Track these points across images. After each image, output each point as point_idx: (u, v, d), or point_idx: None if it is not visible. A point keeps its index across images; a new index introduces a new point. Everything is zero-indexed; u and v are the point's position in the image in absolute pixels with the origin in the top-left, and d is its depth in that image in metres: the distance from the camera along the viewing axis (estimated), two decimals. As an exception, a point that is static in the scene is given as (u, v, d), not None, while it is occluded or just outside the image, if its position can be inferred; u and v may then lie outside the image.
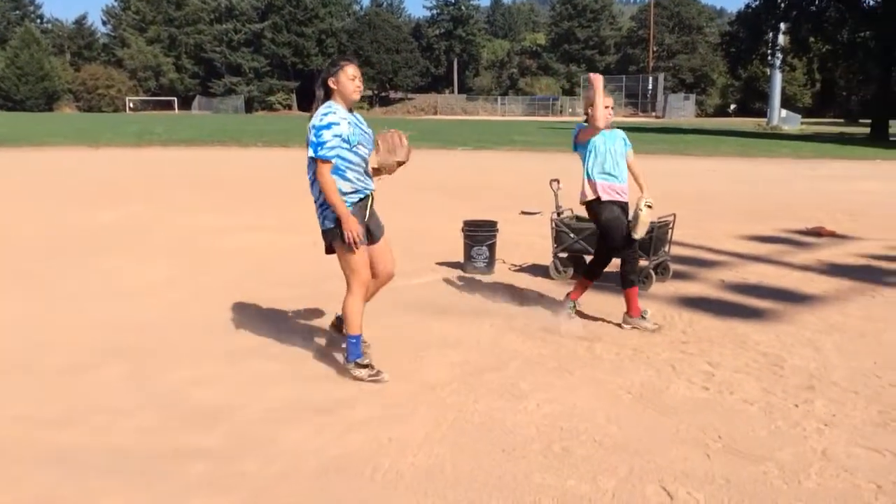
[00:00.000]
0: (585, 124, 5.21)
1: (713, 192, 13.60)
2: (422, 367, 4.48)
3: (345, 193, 4.12)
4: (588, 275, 5.49)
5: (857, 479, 3.15)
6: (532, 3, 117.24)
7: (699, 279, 6.84)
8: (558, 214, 6.76)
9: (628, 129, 5.09)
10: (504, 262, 7.32)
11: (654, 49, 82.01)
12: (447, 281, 6.69)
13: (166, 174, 16.86)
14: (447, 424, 3.67)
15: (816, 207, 11.41)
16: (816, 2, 37.06)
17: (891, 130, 35.31)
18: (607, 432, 3.59)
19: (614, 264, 5.41)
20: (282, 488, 3.08)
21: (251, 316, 5.47)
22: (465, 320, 5.42)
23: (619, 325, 5.33)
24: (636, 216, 5.14)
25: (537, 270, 7.08)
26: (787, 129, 44.08)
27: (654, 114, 70.50)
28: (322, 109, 4.12)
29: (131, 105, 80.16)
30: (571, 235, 6.60)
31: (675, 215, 6.73)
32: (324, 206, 4.15)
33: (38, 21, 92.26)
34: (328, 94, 4.18)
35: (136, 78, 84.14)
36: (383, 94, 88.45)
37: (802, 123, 49.21)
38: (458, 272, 6.97)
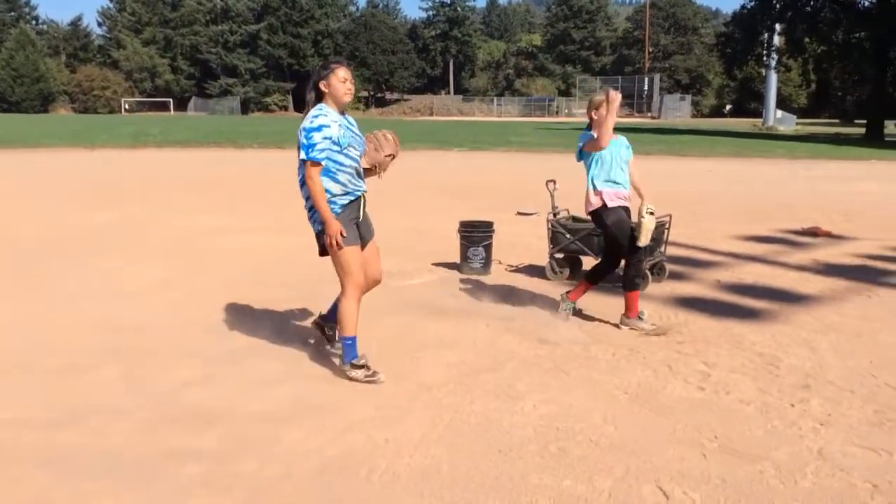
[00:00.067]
0: (590, 132, 5.19)
1: (709, 192, 13.62)
2: (418, 368, 4.47)
3: (336, 195, 4.13)
4: (590, 278, 5.47)
5: (853, 478, 3.15)
6: (528, 4, 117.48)
7: (695, 279, 6.85)
8: (554, 215, 6.76)
9: (624, 129, 5.10)
10: (500, 263, 7.32)
11: (650, 50, 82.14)
12: (443, 281, 6.68)
13: (162, 175, 16.84)
14: (444, 425, 3.67)
15: (812, 208, 11.43)
16: (811, 3, 37.16)
17: (886, 131, 35.42)
18: (604, 432, 3.59)
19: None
20: (278, 489, 3.08)
21: (247, 317, 5.47)
22: (462, 321, 5.42)
23: (615, 325, 5.33)
24: (639, 223, 5.16)
25: (534, 271, 7.08)
26: (782, 129, 44.17)
27: (649, 114, 70.59)
28: (313, 112, 4.12)
29: (127, 106, 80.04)
30: (568, 236, 6.60)
31: (671, 216, 6.74)
32: (313, 209, 4.16)
33: (34, 22, 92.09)
34: (320, 97, 4.18)
35: (131, 79, 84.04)
36: (379, 95, 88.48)
37: (798, 124, 49.32)
38: (455, 273, 6.97)
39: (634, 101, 74.74)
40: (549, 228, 6.71)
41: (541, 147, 25.69)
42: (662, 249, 6.71)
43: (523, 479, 3.14)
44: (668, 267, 6.80)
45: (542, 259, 7.04)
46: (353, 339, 4.24)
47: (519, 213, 10.50)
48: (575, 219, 6.89)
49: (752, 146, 26.54)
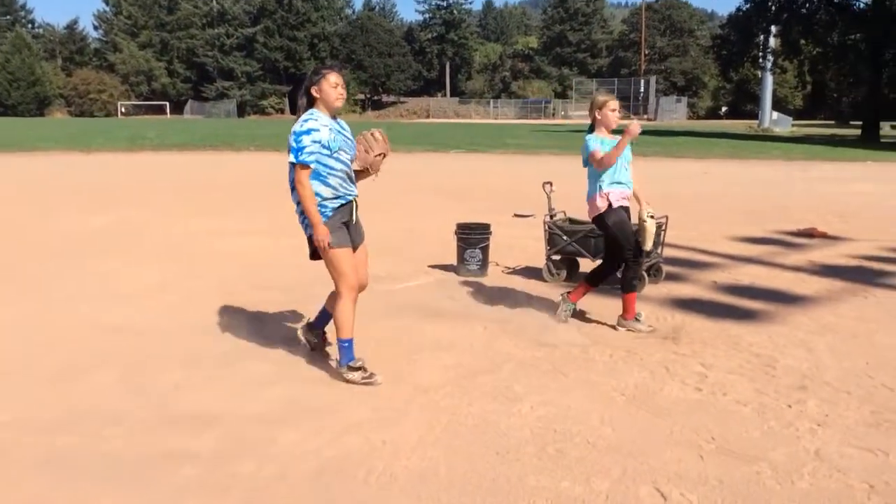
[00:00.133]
0: (594, 134, 5.19)
1: (706, 194, 13.64)
2: (415, 370, 4.47)
3: (326, 199, 4.15)
4: (591, 280, 5.44)
5: (849, 479, 3.16)
6: (524, 7, 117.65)
7: (692, 281, 6.85)
8: (551, 217, 6.77)
9: (621, 131, 5.12)
10: (497, 265, 7.33)
11: (646, 52, 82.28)
12: (440, 283, 6.68)
13: (158, 178, 16.82)
14: (441, 427, 3.67)
15: (808, 209, 11.45)
16: (807, 4, 37.22)
17: (881, 132, 35.49)
18: (601, 434, 3.59)
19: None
20: (275, 491, 3.07)
21: (244, 319, 5.46)
22: (459, 323, 5.42)
23: (613, 327, 5.34)
24: (642, 228, 5.17)
25: (530, 273, 7.09)
26: (778, 130, 44.23)
27: (646, 116, 70.66)
28: (303, 116, 4.16)
29: (123, 110, 79.94)
30: (564, 238, 6.61)
31: (667, 217, 6.75)
32: (303, 213, 4.17)
33: (30, 26, 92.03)
34: (311, 103, 4.20)
35: (127, 83, 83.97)
36: (376, 97, 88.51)
37: (793, 125, 49.39)
38: (452, 275, 6.97)
39: (630, 103, 74.76)
40: (545, 230, 6.72)
41: (537, 149, 25.71)
42: (659, 251, 6.72)
43: (521, 480, 3.14)
44: (665, 268, 6.81)
45: (539, 261, 7.04)
46: (350, 340, 4.24)
47: (516, 215, 10.51)
48: (572, 221, 6.90)
49: (749, 148, 26.58)
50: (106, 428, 3.65)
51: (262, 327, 5.24)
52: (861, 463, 3.30)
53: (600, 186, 5.17)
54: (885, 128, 38.72)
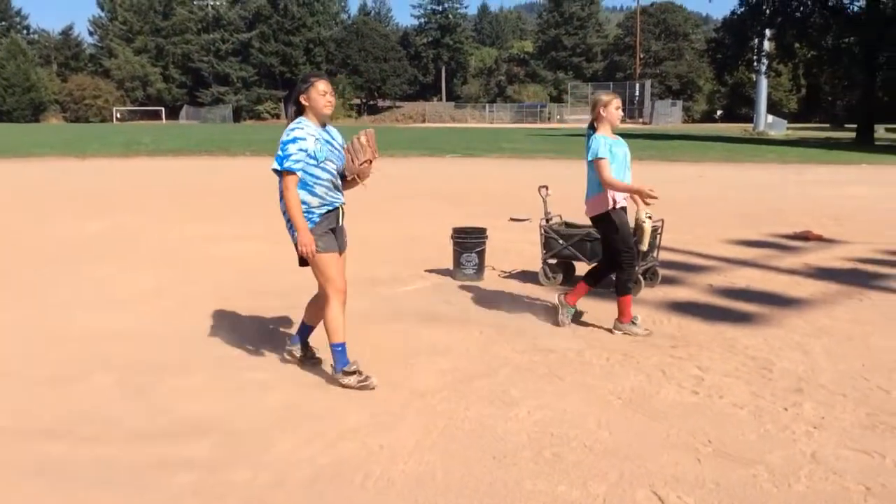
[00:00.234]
0: (596, 132, 5.18)
1: (701, 197, 13.66)
2: (412, 375, 4.47)
3: (313, 207, 4.17)
4: (589, 280, 5.43)
5: (846, 481, 3.16)
6: (519, 11, 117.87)
7: (688, 284, 6.86)
8: (547, 221, 6.77)
9: (617, 135, 5.14)
10: (493, 269, 7.33)
11: (641, 56, 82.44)
12: (437, 288, 6.68)
13: (154, 184, 16.81)
14: (437, 432, 3.66)
15: (803, 212, 11.48)
16: (801, 8, 37.35)
17: (876, 135, 35.60)
18: (598, 438, 3.59)
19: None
20: (272, 497, 3.06)
21: (239, 325, 5.45)
22: (455, 327, 5.42)
23: (609, 330, 5.34)
24: (640, 229, 5.17)
25: (527, 277, 7.09)
26: (773, 134, 44.35)
27: (641, 120, 70.79)
28: (291, 125, 4.18)
29: (118, 115, 79.91)
30: (560, 241, 6.61)
31: (663, 220, 6.75)
32: (291, 221, 4.18)
33: (25, 32, 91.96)
34: (300, 111, 4.21)
35: (123, 88, 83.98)
36: (371, 102, 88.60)
37: (788, 128, 49.54)
38: (448, 279, 6.97)
39: (626, 107, 74.77)
40: (541, 234, 6.72)
41: (533, 153, 25.74)
42: (655, 254, 6.73)
43: (518, 485, 3.14)
44: (661, 272, 6.82)
45: (536, 265, 7.05)
46: (342, 344, 4.24)
47: (512, 219, 10.52)
48: (568, 224, 6.91)
49: (744, 151, 26.65)
50: (101, 434, 3.64)
51: (258, 333, 5.23)
52: (857, 465, 3.30)
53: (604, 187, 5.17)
54: (880, 131, 38.86)
